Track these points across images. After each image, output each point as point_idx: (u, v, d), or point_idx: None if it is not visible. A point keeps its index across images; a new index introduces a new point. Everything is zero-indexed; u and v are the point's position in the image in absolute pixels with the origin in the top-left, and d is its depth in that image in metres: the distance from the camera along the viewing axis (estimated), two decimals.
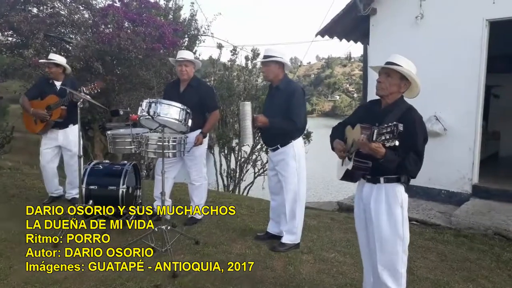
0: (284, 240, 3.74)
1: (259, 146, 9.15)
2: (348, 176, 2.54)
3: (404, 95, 2.50)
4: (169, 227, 3.54)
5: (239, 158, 9.21)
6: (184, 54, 4.14)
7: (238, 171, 9.25)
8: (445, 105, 5.75)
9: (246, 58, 9.87)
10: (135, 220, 4.16)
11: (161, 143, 3.52)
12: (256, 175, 9.31)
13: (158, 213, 4.24)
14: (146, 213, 4.10)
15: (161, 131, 3.37)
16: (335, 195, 12.31)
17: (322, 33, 6.80)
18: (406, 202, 2.43)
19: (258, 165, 9.31)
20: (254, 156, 9.31)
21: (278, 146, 3.64)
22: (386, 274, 2.47)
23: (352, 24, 6.76)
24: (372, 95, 6.57)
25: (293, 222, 3.72)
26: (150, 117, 3.21)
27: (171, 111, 3.32)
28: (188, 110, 3.43)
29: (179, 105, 3.38)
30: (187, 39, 9.36)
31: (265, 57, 3.59)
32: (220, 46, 9.68)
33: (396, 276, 2.47)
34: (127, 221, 4.11)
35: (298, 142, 3.65)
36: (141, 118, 3.29)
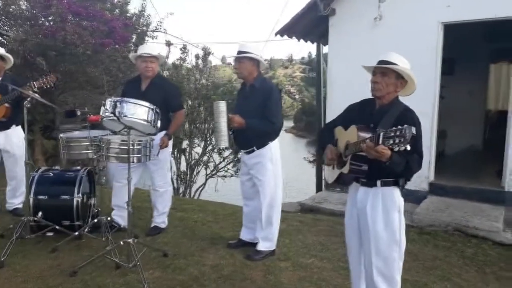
0: (260, 247, 3.55)
1: (210, 147, 8.95)
2: (342, 180, 2.40)
3: (399, 94, 2.40)
4: (135, 240, 3.20)
5: (190, 160, 8.94)
6: (149, 49, 3.79)
7: (188, 173, 8.97)
8: None
9: (196, 56, 9.60)
10: (92, 233, 3.75)
11: (124, 147, 3.17)
12: (208, 177, 9.10)
13: (119, 225, 3.86)
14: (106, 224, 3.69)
15: (127, 133, 3.02)
16: (295, 196, 12.34)
17: (282, 32, 6.70)
18: (402, 206, 2.34)
19: (210, 166, 9.10)
20: (205, 158, 9.10)
21: (254, 148, 3.43)
22: (381, 281, 2.36)
23: (311, 24, 6.73)
24: (332, 96, 6.61)
25: (270, 228, 3.53)
26: (115, 117, 2.86)
27: (139, 111, 2.99)
28: (157, 110, 3.12)
29: (147, 104, 3.05)
30: (135, 35, 8.84)
31: (239, 52, 3.37)
32: (169, 44, 9.29)
33: (392, 283, 2.36)
34: (83, 234, 3.68)
35: (275, 143, 3.47)
36: (105, 119, 2.93)
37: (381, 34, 5.97)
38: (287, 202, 7.05)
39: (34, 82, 3.65)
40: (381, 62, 2.33)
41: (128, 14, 8.92)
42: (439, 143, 8.08)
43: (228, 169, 9.12)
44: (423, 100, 5.75)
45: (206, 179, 9.13)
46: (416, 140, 2.13)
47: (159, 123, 3.14)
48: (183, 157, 8.97)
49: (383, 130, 1.91)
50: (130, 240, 3.10)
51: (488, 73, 8.81)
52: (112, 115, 2.86)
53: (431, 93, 5.73)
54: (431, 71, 5.68)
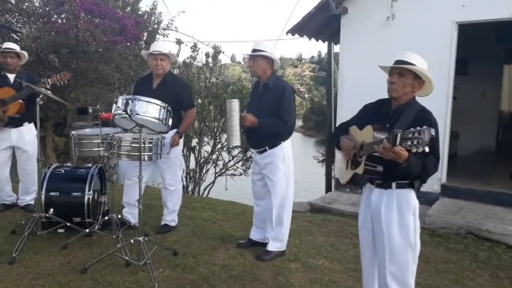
0: (270, 247, 3.52)
1: (219, 146, 8.95)
2: (355, 181, 2.36)
3: (416, 94, 2.35)
4: (146, 239, 3.19)
5: (199, 158, 8.95)
6: (160, 47, 3.77)
7: (198, 171, 8.98)
8: None
9: (207, 55, 9.60)
10: (102, 231, 3.75)
11: (136, 145, 3.17)
12: (217, 175, 9.10)
13: (129, 223, 3.86)
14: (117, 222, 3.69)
15: (139, 131, 3.01)
16: (304, 196, 12.31)
17: (293, 31, 6.66)
18: (418, 209, 2.29)
19: (219, 165, 9.10)
20: (215, 156, 9.10)
21: (266, 148, 3.40)
22: (394, 285, 2.31)
23: (322, 23, 6.67)
24: (343, 95, 6.56)
25: (280, 229, 3.50)
26: (127, 115, 2.85)
27: (150, 109, 2.97)
28: (169, 108, 3.11)
29: (159, 102, 3.04)
30: (146, 33, 8.86)
31: (254, 50, 3.34)
32: (179, 42, 9.30)
33: (405, 287, 2.32)
34: (93, 232, 3.69)
35: (287, 143, 3.43)
36: (117, 117, 2.92)
37: (393, 34, 5.90)
38: (297, 202, 7.02)
39: (48, 79, 3.66)
40: (398, 62, 2.29)
41: (140, 12, 8.95)
42: (451, 144, 7.99)
43: (237, 167, 9.11)
44: (436, 100, 5.66)
45: (215, 178, 9.12)
46: (434, 142, 2.09)
47: (170, 121, 3.13)
48: (192, 155, 8.98)
49: (400, 130, 1.87)
50: (141, 238, 3.10)
51: (502, 73, 8.68)
52: (124, 113, 2.85)
53: (444, 94, 5.66)
54: (444, 71, 5.61)
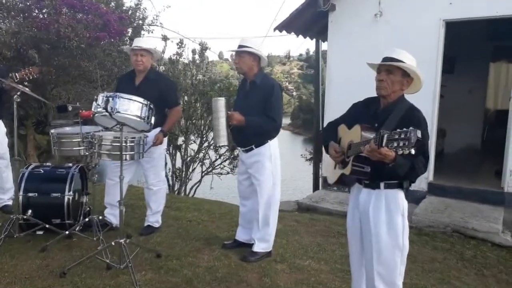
0: (256, 248, 3.44)
1: (206, 144, 8.85)
2: (343, 181, 2.30)
3: (405, 92, 2.30)
4: (127, 241, 3.09)
5: (186, 156, 8.84)
6: (141, 42, 3.66)
7: (184, 170, 8.88)
8: None
9: (193, 52, 9.48)
10: (83, 232, 3.63)
11: (117, 144, 3.06)
12: (203, 174, 9.00)
13: (111, 224, 3.75)
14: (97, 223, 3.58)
15: (120, 130, 2.90)
16: (292, 194, 12.26)
17: (280, 28, 6.59)
18: (406, 210, 2.25)
19: (206, 163, 9.01)
20: (201, 154, 9.00)
21: (253, 146, 3.32)
22: (382, 286, 2.27)
23: (310, 20, 6.61)
24: (330, 93, 6.52)
25: (266, 229, 3.43)
26: (107, 113, 2.74)
27: (132, 107, 2.87)
28: (152, 106, 3.01)
29: (141, 100, 2.94)
30: (131, 29, 8.69)
31: (239, 47, 3.25)
32: (165, 38, 9.17)
33: None
34: (74, 234, 3.57)
35: (274, 142, 3.36)
36: (97, 115, 2.81)
37: (381, 31, 5.87)
38: (284, 201, 6.97)
39: (16, 73, 3.48)
40: (386, 59, 2.23)
41: (124, 8, 8.78)
42: (438, 142, 8.03)
43: (224, 166, 9.03)
44: (423, 98, 5.65)
45: (202, 176, 9.04)
46: (422, 142, 2.03)
47: (153, 120, 3.03)
48: (178, 154, 8.87)
49: (387, 132, 1.80)
50: (122, 241, 3.00)
51: (488, 72, 8.75)
52: (104, 110, 2.74)
53: (431, 92, 5.65)
54: (431, 69, 5.60)
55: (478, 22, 5.88)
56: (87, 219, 3.61)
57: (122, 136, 2.91)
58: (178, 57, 9.27)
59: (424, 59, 5.49)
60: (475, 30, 7.26)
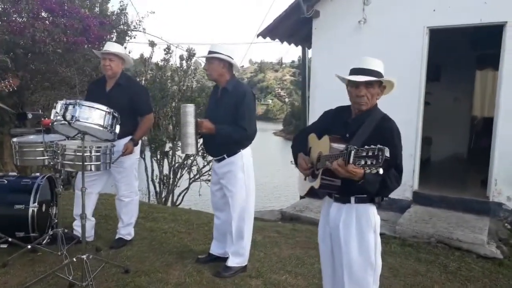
0: (230, 263, 3.28)
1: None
2: (314, 193, 2.16)
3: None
4: (90, 256, 2.91)
5: (173, 163, 8.69)
6: (110, 46, 3.53)
7: (171, 177, 8.72)
8: (386, 112, 5.69)
9: (181, 57, 9.39)
10: (50, 246, 3.45)
11: (80, 154, 2.89)
12: (191, 181, 8.85)
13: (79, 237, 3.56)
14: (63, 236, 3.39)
15: (81, 139, 2.74)
16: (276, 202, 12.11)
17: (264, 34, 6.48)
18: (379, 226, 2.11)
19: (193, 170, 8.86)
20: (189, 161, 8.86)
21: (225, 156, 3.18)
22: None
23: (294, 26, 6.52)
24: (315, 100, 6.41)
25: (241, 243, 3.27)
26: (66, 122, 2.58)
27: (94, 115, 2.72)
28: (116, 114, 2.85)
29: (103, 107, 2.78)
30: (115, 34, 8.54)
31: (209, 53, 3.12)
32: (152, 44, 9.06)
33: None
34: (39, 248, 3.39)
35: (247, 151, 3.21)
36: (56, 123, 2.65)
37: (365, 38, 5.79)
38: (268, 210, 6.84)
39: None
40: (358, 70, 2.08)
41: (108, 13, 8.62)
42: (424, 150, 7.95)
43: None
44: (408, 106, 5.58)
45: (190, 183, 8.88)
46: (394, 153, 1.90)
47: (117, 129, 2.87)
48: (166, 161, 8.71)
49: (354, 147, 1.67)
50: (84, 257, 2.82)
51: (474, 79, 8.72)
52: (62, 119, 2.58)
53: (415, 99, 5.57)
54: (416, 76, 5.52)
55: (463, 30, 5.83)
56: (51, 233, 3.42)
57: (84, 145, 2.74)
58: (165, 63, 9.17)
59: (408, 66, 5.46)
60: (460, 38, 7.23)
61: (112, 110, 2.80)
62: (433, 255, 4.36)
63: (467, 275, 3.94)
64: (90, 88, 3.82)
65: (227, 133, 3.03)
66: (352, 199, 2.07)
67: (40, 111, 3.34)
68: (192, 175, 8.84)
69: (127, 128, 3.38)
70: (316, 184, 2.03)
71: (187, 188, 8.86)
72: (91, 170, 3.00)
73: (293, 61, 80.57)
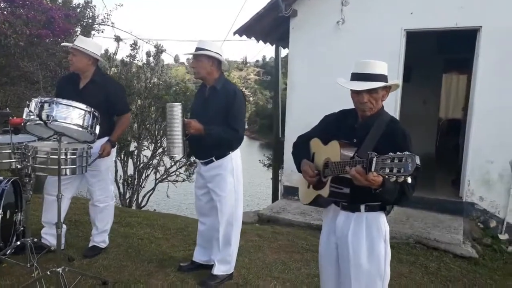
0: (216, 271, 3.11)
1: (160, 150, 8.44)
2: (319, 202, 2.04)
3: None
4: (66, 269, 2.66)
5: (138, 163, 8.39)
6: (77, 41, 3.28)
7: (136, 177, 8.41)
8: None
9: (148, 54, 9.09)
10: (16, 256, 3.14)
11: (54, 157, 2.63)
12: (157, 182, 8.57)
13: (49, 246, 3.28)
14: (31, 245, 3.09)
15: (58, 141, 2.49)
16: (250, 201, 12.01)
17: (240, 32, 6.32)
18: (388, 234, 2.02)
19: (160, 170, 8.59)
20: (155, 161, 8.58)
21: (213, 159, 3.00)
22: None
23: (271, 25, 6.40)
24: (292, 100, 6.32)
25: (228, 250, 3.11)
26: (42, 122, 2.32)
27: (72, 115, 2.47)
28: (96, 113, 2.61)
29: (83, 106, 2.54)
30: (79, 28, 8.09)
31: (197, 49, 2.93)
32: (118, 39, 8.69)
33: None
34: (3, 259, 3.07)
35: (237, 153, 3.05)
36: (29, 123, 2.38)
37: (343, 39, 5.77)
38: (244, 212, 6.66)
39: None
40: (359, 76, 1.96)
41: (72, 5, 8.16)
42: None
43: (180, 173, 8.64)
44: (385, 107, 5.60)
45: (156, 184, 8.61)
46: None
47: (97, 129, 2.64)
48: (130, 161, 8.38)
49: (375, 154, 1.56)
50: (60, 269, 2.57)
51: (441, 82, 8.98)
52: (38, 118, 2.32)
53: (392, 100, 5.60)
54: (393, 78, 5.43)
55: (431, 34, 5.93)
56: (18, 243, 3.11)
57: (61, 148, 2.48)
58: (131, 59, 8.82)
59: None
60: (430, 41, 7.40)
61: (92, 109, 2.56)
62: (413, 256, 4.39)
63: (447, 275, 3.99)
64: (61, 84, 3.50)
65: (217, 134, 2.86)
66: (362, 207, 1.96)
67: (7, 109, 2.99)
68: (158, 176, 8.58)
69: (103, 129, 3.12)
70: (325, 192, 1.91)
71: (153, 189, 8.58)
72: (66, 174, 2.73)
73: (257, 61, 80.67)
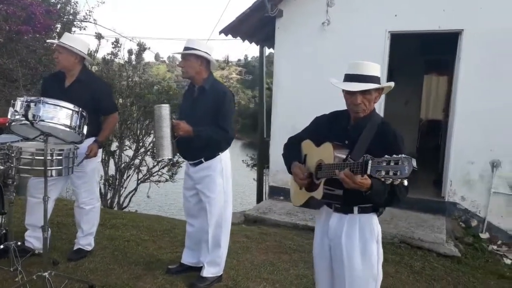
0: (206, 273, 3.08)
1: (142, 150, 8.34)
2: (311, 204, 2.05)
3: None
4: (53, 273, 2.59)
5: (120, 163, 8.25)
6: (63, 38, 3.19)
7: (118, 177, 8.27)
8: None
9: (130, 52, 8.94)
10: None
11: (40, 157, 2.56)
12: (140, 182, 8.45)
13: (33, 249, 3.18)
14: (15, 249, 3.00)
15: (44, 141, 2.42)
16: (233, 201, 11.95)
17: (226, 31, 6.28)
18: (380, 235, 2.04)
19: (142, 170, 8.47)
20: (137, 161, 8.46)
21: (202, 160, 2.97)
22: None
23: (257, 25, 6.39)
24: (277, 100, 6.32)
25: (217, 252, 3.08)
26: (28, 122, 2.25)
27: (60, 115, 2.41)
28: (84, 113, 2.55)
29: (70, 106, 2.48)
30: (60, 24, 7.91)
31: (185, 49, 2.89)
32: (99, 37, 8.52)
33: None
34: None
35: (226, 154, 3.04)
36: (14, 123, 2.31)
37: (329, 39, 5.81)
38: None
39: None
40: (352, 77, 1.97)
41: (52, 1, 7.97)
42: None
43: (163, 173, 8.54)
44: None
45: (138, 184, 8.48)
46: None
47: (85, 129, 2.57)
48: (112, 160, 8.24)
49: (370, 156, 1.56)
50: (46, 274, 2.50)
51: (422, 84, 9.14)
52: (24, 118, 2.25)
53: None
54: None
55: (414, 36, 6.02)
56: (1, 246, 3.01)
57: (47, 148, 2.41)
58: (113, 57, 8.66)
59: None
60: (411, 43, 7.52)
61: (80, 109, 2.50)
62: (398, 255, 4.45)
63: (431, 274, 4.06)
64: (46, 83, 3.41)
65: (207, 135, 2.83)
66: (355, 209, 1.97)
67: None
68: (140, 176, 8.47)
69: (90, 129, 3.05)
70: (318, 194, 1.92)
71: (135, 189, 8.46)
72: (51, 175, 2.66)
73: (239, 60, 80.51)
